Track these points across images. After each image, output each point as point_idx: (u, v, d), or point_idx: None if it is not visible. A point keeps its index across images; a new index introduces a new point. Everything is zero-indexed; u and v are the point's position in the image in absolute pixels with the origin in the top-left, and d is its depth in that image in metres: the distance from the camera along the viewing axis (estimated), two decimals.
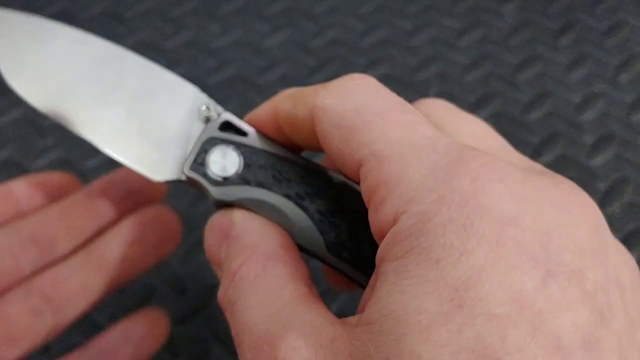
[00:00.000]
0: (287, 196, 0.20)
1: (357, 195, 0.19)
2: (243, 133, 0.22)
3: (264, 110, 0.22)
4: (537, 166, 0.19)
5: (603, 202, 0.40)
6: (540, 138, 0.42)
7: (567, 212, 0.15)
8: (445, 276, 0.13)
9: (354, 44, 0.48)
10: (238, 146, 0.21)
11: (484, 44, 0.48)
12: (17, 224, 0.24)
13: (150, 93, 0.22)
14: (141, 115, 0.22)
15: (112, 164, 0.23)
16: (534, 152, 0.42)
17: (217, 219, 0.21)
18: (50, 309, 0.23)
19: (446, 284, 0.13)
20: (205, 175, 0.21)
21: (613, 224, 0.39)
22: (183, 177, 0.22)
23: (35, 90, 0.23)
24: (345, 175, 0.20)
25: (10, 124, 0.42)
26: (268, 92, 0.45)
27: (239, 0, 0.50)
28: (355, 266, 0.20)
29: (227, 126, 0.22)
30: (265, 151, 0.21)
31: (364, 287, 0.19)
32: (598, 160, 0.41)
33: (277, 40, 0.48)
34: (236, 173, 0.21)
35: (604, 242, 0.15)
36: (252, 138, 0.22)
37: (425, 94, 0.45)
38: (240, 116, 0.23)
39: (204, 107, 0.22)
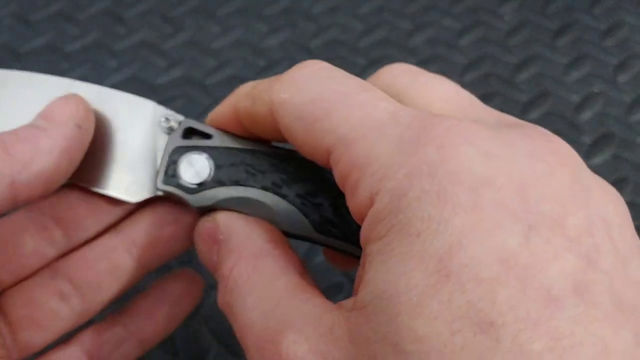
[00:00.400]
0: (264, 188, 0.20)
1: (329, 172, 0.20)
2: (207, 136, 0.22)
3: (224, 109, 0.22)
4: (508, 119, 0.19)
5: None
6: None
7: (541, 162, 0.15)
8: (427, 248, 0.13)
9: (353, 44, 0.48)
10: (205, 150, 0.21)
11: (483, 44, 0.48)
12: (38, 205, 0.23)
13: (109, 117, 0.22)
14: (107, 141, 0.22)
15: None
16: None
17: (203, 225, 0.21)
18: (77, 293, 0.22)
19: (430, 256, 0.13)
20: (179, 185, 0.21)
21: None
22: (159, 193, 0.21)
23: None
24: None
25: None
26: None
27: (239, 1, 0.50)
28: (347, 240, 0.20)
29: (190, 132, 0.22)
30: (233, 149, 0.21)
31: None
32: (597, 160, 0.41)
33: (276, 40, 0.48)
34: (209, 177, 0.21)
35: (583, 185, 0.15)
36: (217, 139, 0.21)
37: None
38: None
39: (163, 119, 0.22)
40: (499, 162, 0.14)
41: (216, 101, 0.45)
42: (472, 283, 0.12)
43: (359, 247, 0.19)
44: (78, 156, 0.20)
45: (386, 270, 0.14)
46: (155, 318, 0.24)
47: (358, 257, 0.20)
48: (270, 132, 0.19)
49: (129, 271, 0.23)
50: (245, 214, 0.20)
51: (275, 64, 0.46)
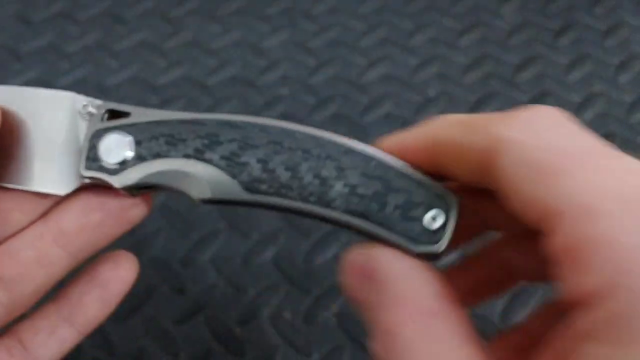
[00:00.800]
0: (187, 156, 0.20)
1: (251, 127, 0.20)
2: (126, 114, 0.21)
3: (414, 135, 0.19)
4: None
5: None
6: None
7: None
8: None
9: (354, 44, 0.48)
10: (124, 128, 0.20)
11: (484, 44, 0.48)
12: None
13: (29, 115, 0.22)
14: (28, 139, 0.21)
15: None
16: None
17: (357, 258, 0.18)
18: (2, 286, 0.21)
19: None
20: (102, 168, 0.20)
21: None
22: (85, 180, 0.21)
23: None
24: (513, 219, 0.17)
25: None
26: (268, 92, 0.45)
27: (239, 1, 0.50)
28: (278, 195, 0.20)
29: (112, 115, 0.21)
30: (151, 122, 0.20)
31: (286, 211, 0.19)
32: None
33: (277, 40, 0.48)
34: (130, 154, 0.20)
35: None
36: (136, 115, 0.21)
37: (425, 94, 0.45)
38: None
39: (82, 105, 0.21)
40: None
41: (217, 101, 0.45)
42: None
43: (291, 199, 0.19)
44: None
45: None
46: (85, 303, 0.23)
47: (287, 210, 0.20)
48: (471, 170, 0.17)
49: (56, 260, 0.22)
50: (173, 186, 0.20)
51: (276, 64, 0.46)
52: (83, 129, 0.21)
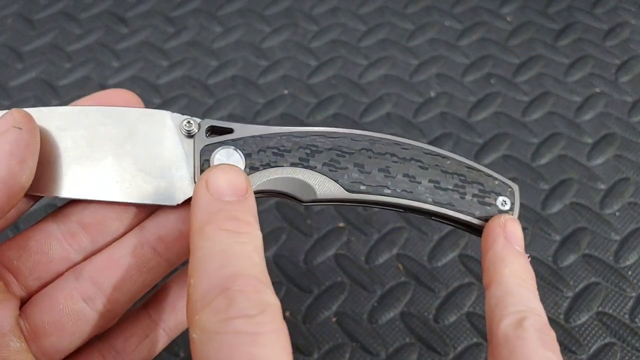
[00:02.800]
0: (294, 164, 0.23)
1: (343, 137, 0.23)
2: (229, 130, 0.23)
3: None
4: None
5: (603, 202, 0.40)
6: (541, 138, 0.43)
7: None
8: None
9: (354, 45, 0.48)
10: (231, 143, 0.23)
11: (485, 44, 0.48)
12: (66, 210, 0.23)
13: (128, 133, 0.23)
14: (132, 156, 0.23)
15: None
16: (534, 153, 0.42)
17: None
18: (101, 294, 0.22)
19: None
20: None
21: (613, 224, 0.39)
22: None
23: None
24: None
25: None
26: (269, 92, 0.45)
27: (240, 1, 0.51)
28: (377, 193, 0.23)
29: (212, 131, 0.23)
30: (256, 136, 0.23)
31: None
32: (598, 161, 0.41)
33: (277, 40, 0.48)
34: (242, 166, 0.22)
35: None
36: (239, 131, 0.23)
37: (425, 94, 0.45)
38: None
39: (185, 122, 0.23)
40: None
41: (218, 101, 0.45)
42: None
43: (386, 196, 0.23)
44: (28, 157, 0.20)
45: None
46: (179, 308, 0.24)
47: (383, 205, 0.23)
48: None
49: (154, 267, 0.23)
50: (284, 191, 0.23)
51: (277, 64, 0.46)
52: (186, 145, 0.23)
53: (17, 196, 0.20)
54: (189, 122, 0.23)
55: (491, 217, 0.23)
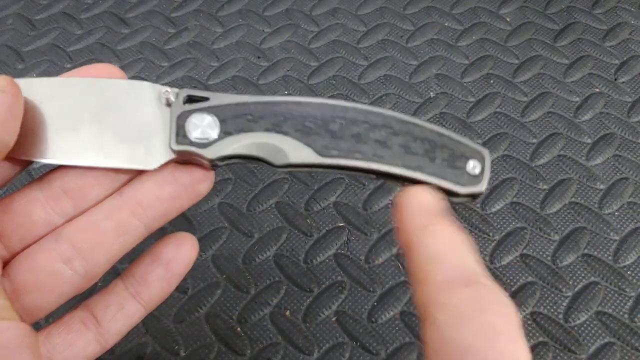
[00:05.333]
0: (267, 129, 0.23)
1: (317, 105, 0.24)
2: (205, 99, 0.24)
3: None
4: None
5: (602, 202, 0.40)
6: (540, 138, 0.43)
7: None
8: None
9: (354, 45, 0.48)
10: (207, 110, 0.24)
11: (484, 44, 0.48)
12: (49, 177, 0.24)
13: (110, 103, 0.24)
14: (113, 124, 0.24)
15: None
16: (533, 153, 0.42)
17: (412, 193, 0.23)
18: (80, 255, 0.23)
19: None
20: (192, 143, 0.23)
21: (612, 224, 0.39)
22: (173, 155, 0.23)
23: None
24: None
25: None
26: (269, 92, 0.45)
27: (240, 2, 0.51)
28: (347, 157, 0.23)
29: (189, 100, 0.24)
30: (231, 104, 0.24)
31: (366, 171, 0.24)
32: (598, 161, 0.42)
33: (278, 41, 0.48)
34: (217, 130, 0.23)
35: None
36: (215, 99, 0.24)
37: (425, 95, 0.45)
38: None
39: (164, 91, 0.24)
40: None
41: None
42: None
43: (358, 159, 0.23)
44: (10, 119, 0.21)
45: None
46: (150, 281, 0.25)
47: (355, 170, 0.24)
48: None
49: (132, 230, 0.24)
50: (258, 156, 0.23)
51: (277, 64, 0.47)
52: (165, 113, 0.24)
53: (1, 153, 0.21)
54: (167, 91, 0.24)
55: (461, 180, 0.24)
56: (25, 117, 0.22)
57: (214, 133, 0.23)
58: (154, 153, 0.24)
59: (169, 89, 0.24)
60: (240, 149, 0.23)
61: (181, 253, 0.25)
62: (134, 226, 0.23)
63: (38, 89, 0.24)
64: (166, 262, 0.25)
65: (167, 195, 0.24)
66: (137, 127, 0.24)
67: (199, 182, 0.24)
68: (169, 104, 0.24)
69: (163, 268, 0.25)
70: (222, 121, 0.23)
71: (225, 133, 0.23)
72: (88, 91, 0.24)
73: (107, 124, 0.24)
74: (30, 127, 0.23)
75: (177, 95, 0.24)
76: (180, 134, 0.23)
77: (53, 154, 0.23)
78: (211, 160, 0.23)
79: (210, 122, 0.23)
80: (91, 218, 0.23)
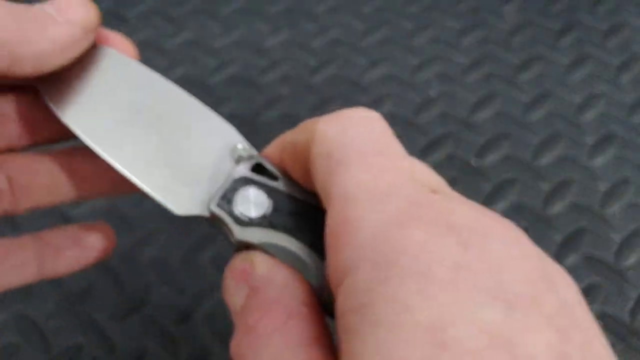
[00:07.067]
0: (313, 246, 0.20)
1: None
2: (274, 177, 0.21)
3: (274, 144, 0.22)
4: (477, 206, 0.19)
5: (604, 202, 0.40)
6: (541, 138, 0.43)
7: (512, 248, 0.16)
8: (419, 320, 0.13)
9: (355, 44, 0.48)
10: (268, 189, 0.21)
11: (485, 44, 0.48)
12: None
13: (186, 127, 0.22)
14: (173, 147, 0.22)
15: None
16: (534, 153, 0.42)
17: (238, 264, 0.20)
18: (10, 190, 0.22)
19: (423, 328, 0.13)
20: (231, 213, 0.20)
21: (613, 225, 0.39)
22: (206, 213, 0.21)
23: (67, 102, 0.22)
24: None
25: None
26: (269, 92, 0.45)
27: (240, 0, 0.50)
28: None
29: (258, 169, 0.22)
30: (295, 198, 0.21)
31: None
32: (599, 161, 0.41)
33: (278, 40, 0.48)
34: (263, 215, 0.20)
35: (548, 271, 0.16)
36: (282, 182, 0.21)
37: (426, 94, 0.45)
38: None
39: (239, 146, 0.22)
40: (475, 250, 0.15)
41: (217, 101, 0.45)
42: (469, 355, 0.13)
43: None
44: (71, 56, 0.21)
45: (375, 341, 0.14)
46: (62, 257, 0.24)
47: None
48: (302, 168, 0.19)
49: (65, 192, 0.23)
50: (285, 263, 0.20)
51: (277, 63, 0.46)
52: (227, 166, 0.21)
53: (32, 76, 0.21)
54: (244, 148, 0.22)
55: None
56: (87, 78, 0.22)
57: (256, 213, 0.20)
58: (190, 199, 0.21)
59: (247, 146, 0.22)
60: (269, 247, 0.20)
61: (100, 244, 0.25)
62: (68, 188, 0.23)
63: (129, 69, 0.23)
64: (85, 247, 0.24)
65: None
66: (192, 163, 0.22)
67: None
68: (236, 161, 0.21)
69: (80, 250, 0.24)
70: (275, 210, 0.20)
71: (269, 223, 0.20)
72: (175, 104, 0.22)
73: (170, 143, 0.22)
74: (93, 94, 0.22)
75: (250, 157, 0.21)
76: (226, 197, 0.21)
77: (91, 131, 0.22)
78: (236, 241, 0.20)
79: (263, 203, 0.20)
80: (31, 163, 0.23)
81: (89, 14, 0.21)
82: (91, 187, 0.24)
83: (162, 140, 0.22)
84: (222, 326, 0.34)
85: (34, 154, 0.23)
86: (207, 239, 0.37)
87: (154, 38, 0.48)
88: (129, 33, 0.48)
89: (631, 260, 0.37)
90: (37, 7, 0.21)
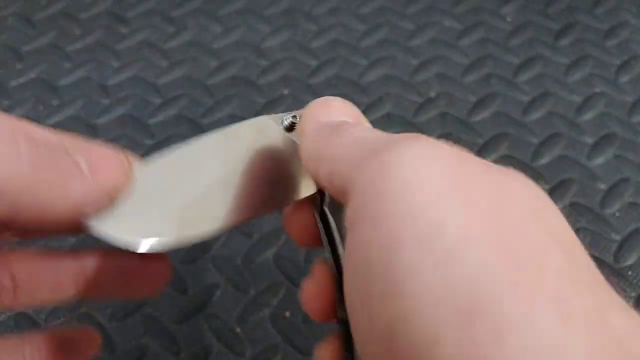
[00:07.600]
0: None
1: None
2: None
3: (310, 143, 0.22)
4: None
5: (603, 202, 0.40)
6: (541, 138, 0.43)
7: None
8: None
9: (354, 45, 0.48)
10: None
11: (485, 44, 0.48)
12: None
13: (240, 141, 0.22)
14: (245, 175, 0.22)
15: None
16: (534, 153, 0.42)
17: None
18: (12, 288, 0.21)
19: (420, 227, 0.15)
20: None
21: (613, 224, 0.39)
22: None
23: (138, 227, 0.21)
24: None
25: None
26: (269, 92, 0.45)
27: (240, 1, 0.51)
28: None
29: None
30: None
31: None
32: (599, 161, 0.41)
33: (277, 40, 0.48)
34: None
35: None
36: None
37: (425, 95, 0.45)
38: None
39: (285, 118, 0.22)
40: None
41: (217, 101, 0.45)
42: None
43: None
44: (82, 214, 0.19)
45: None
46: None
47: None
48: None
49: (69, 288, 0.22)
50: None
51: (277, 64, 0.46)
52: (286, 139, 0.22)
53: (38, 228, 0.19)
54: (293, 116, 0.22)
55: None
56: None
57: None
58: (297, 181, 0.22)
59: (290, 114, 0.22)
60: None
61: (84, 348, 0.24)
62: (73, 293, 0.22)
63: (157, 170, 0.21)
64: (73, 349, 0.23)
65: (110, 281, 0.22)
66: (271, 165, 0.22)
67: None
68: (289, 129, 0.22)
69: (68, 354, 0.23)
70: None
71: None
72: (208, 150, 0.22)
73: (247, 170, 0.22)
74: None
75: (294, 117, 0.22)
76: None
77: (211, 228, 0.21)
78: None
79: None
80: (39, 265, 0.21)
81: (124, 177, 0.19)
82: (96, 288, 0.22)
83: (242, 175, 0.22)
84: (223, 326, 0.35)
85: (40, 253, 0.22)
86: (208, 240, 0.37)
87: (154, 39, 0.48)
88: (129, 34, 0.48)
89: (631, 260, 0.37)
90: (68, 151, 0.18)
